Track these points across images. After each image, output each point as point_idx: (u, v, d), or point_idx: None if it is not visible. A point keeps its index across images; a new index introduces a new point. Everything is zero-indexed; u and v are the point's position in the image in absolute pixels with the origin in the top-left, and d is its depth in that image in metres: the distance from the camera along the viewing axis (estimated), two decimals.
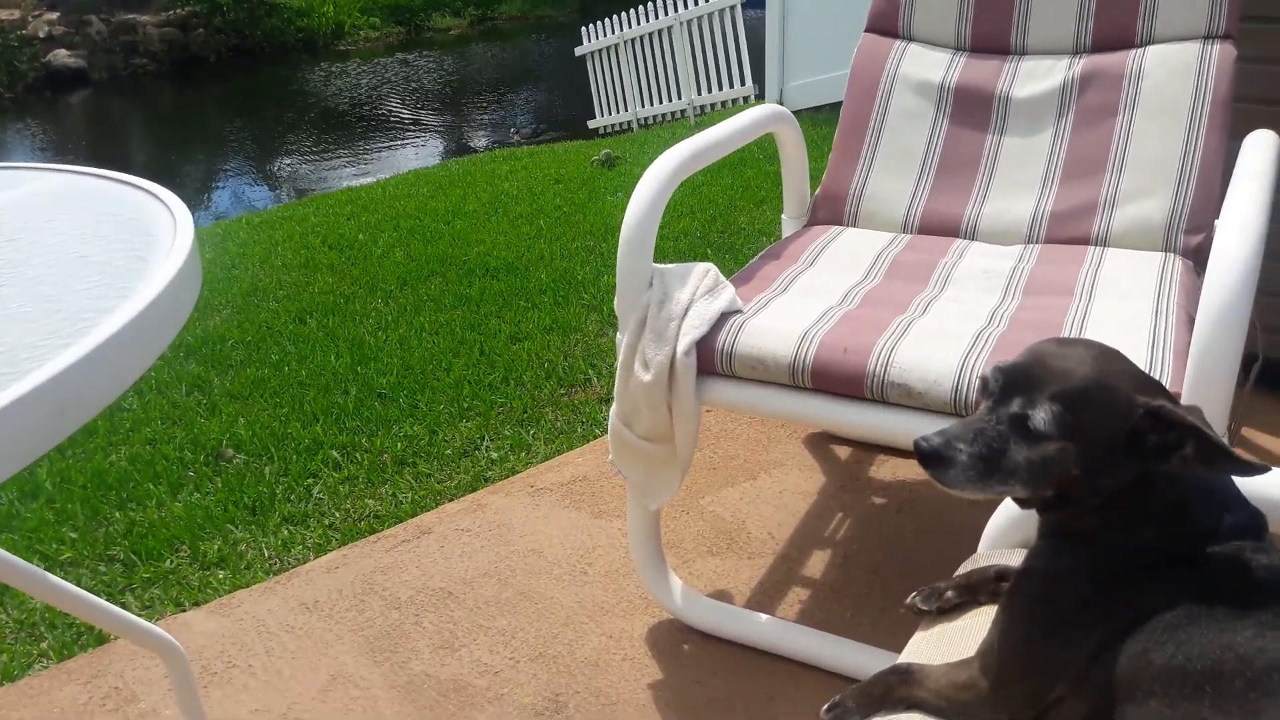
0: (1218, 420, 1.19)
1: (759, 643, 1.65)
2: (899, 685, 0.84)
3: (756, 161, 4.72)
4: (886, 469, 2.14)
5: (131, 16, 13.27)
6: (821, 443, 2.25)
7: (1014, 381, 0.78)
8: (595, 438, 2.37)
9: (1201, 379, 1.18)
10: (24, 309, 0.86)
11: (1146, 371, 0.82)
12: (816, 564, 1.87)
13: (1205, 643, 0.68)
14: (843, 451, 2.22)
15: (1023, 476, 0.77)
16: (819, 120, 5.10)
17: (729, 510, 2.05)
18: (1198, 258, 1.62)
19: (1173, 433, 0.74)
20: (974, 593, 0.94)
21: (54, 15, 12.99)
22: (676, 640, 1.71)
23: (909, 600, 0.96)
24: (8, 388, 0.69)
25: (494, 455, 2.31)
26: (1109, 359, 0.78)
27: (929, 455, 0.78)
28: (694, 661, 1.66)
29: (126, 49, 13.19)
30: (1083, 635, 0.74)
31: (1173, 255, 1.63)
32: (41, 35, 12.75)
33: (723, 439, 2.31)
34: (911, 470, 2.13)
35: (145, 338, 0.81)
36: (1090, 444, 0.75)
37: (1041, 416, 0.76)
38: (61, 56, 12.73)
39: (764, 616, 1.69)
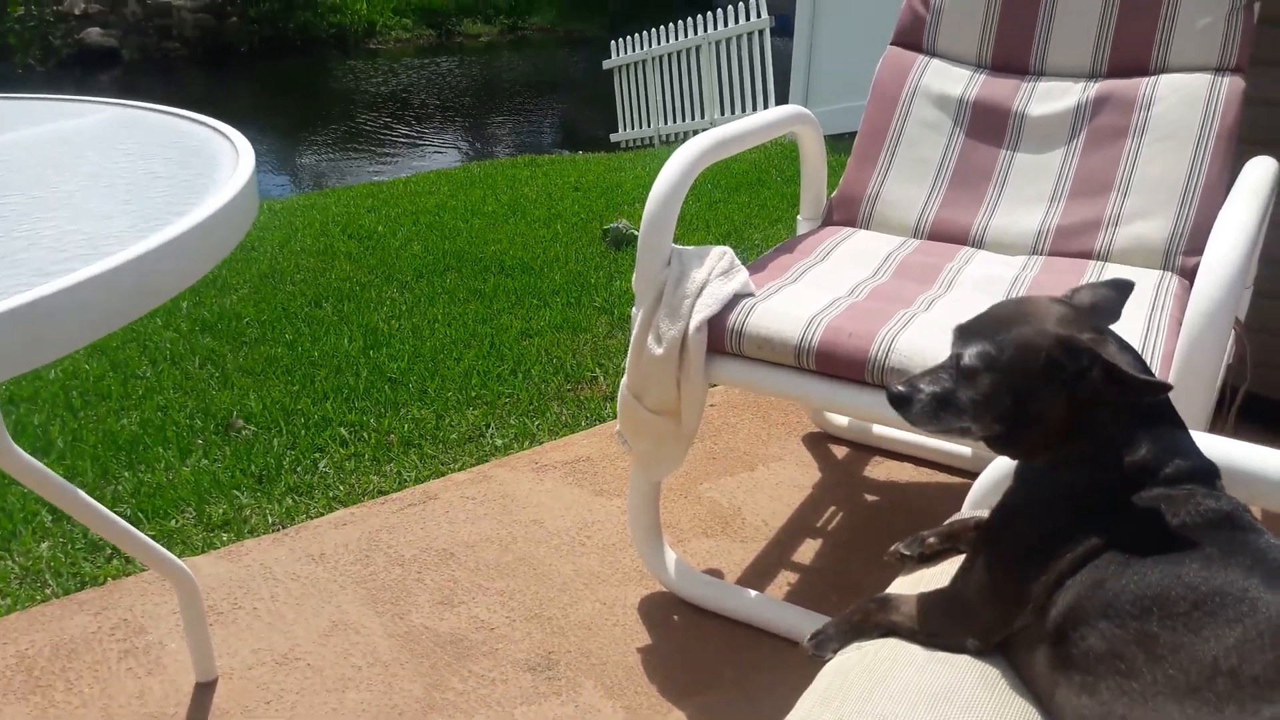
0: (1198, 422, 1.26)
1: (747, 617, 1.71)
2: (877, 611, 0.91)
3: (774, 183, 4.80)
4: (881, 469, 2.21)
5: (167, 0, 13.44)
6: (819, 441, 2.32)
7: (964, 334, 0.91)
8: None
9: (1184, 378, 1.24)
10: (103, 208, 0.94)
11: None
12: (807, 551, 1.93)
13: (1156, 572, 0.75)
14: (839, 450, 2.29)
15: (970, 411, 0.88)
16: (838, 148, 5.17)
17: (726, 497, 2.11)
18: (1194, 277, 1.68)
19: (1083, 357, 0.83)
20: (955, 540, 1.00)
21: None
22: (667, 611, 1.77)
23: (893, 548, 1.02)
24: (92, 264, 0.76)
25: (499, 442, 2.37)
26: (1042, 304, 0.88)
27: (896, 397, 0.91)
28: (682, 631, 1.72)
29: (160, 31, 13.36)
30: (1046, 566, 0.81)
31: (1170, 274, 1.70)
32: (77, 13, 12.92)
33: (724, 431, 2.38)
34: (904, 472, 2.19)
35: (213, 239, 0.88)
36: (1012, 374, 0.86)
37: (970, 353, 0.88)
38: (95, 35, 12.90)
39: (753, 593, 1.75)
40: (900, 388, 0.91)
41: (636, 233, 3.50)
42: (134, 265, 0.78)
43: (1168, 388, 0.82)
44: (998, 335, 0.87)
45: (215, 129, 1.21)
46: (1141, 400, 0.83)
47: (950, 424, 0.89)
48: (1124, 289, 0.95)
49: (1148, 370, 0.86)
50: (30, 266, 0.79)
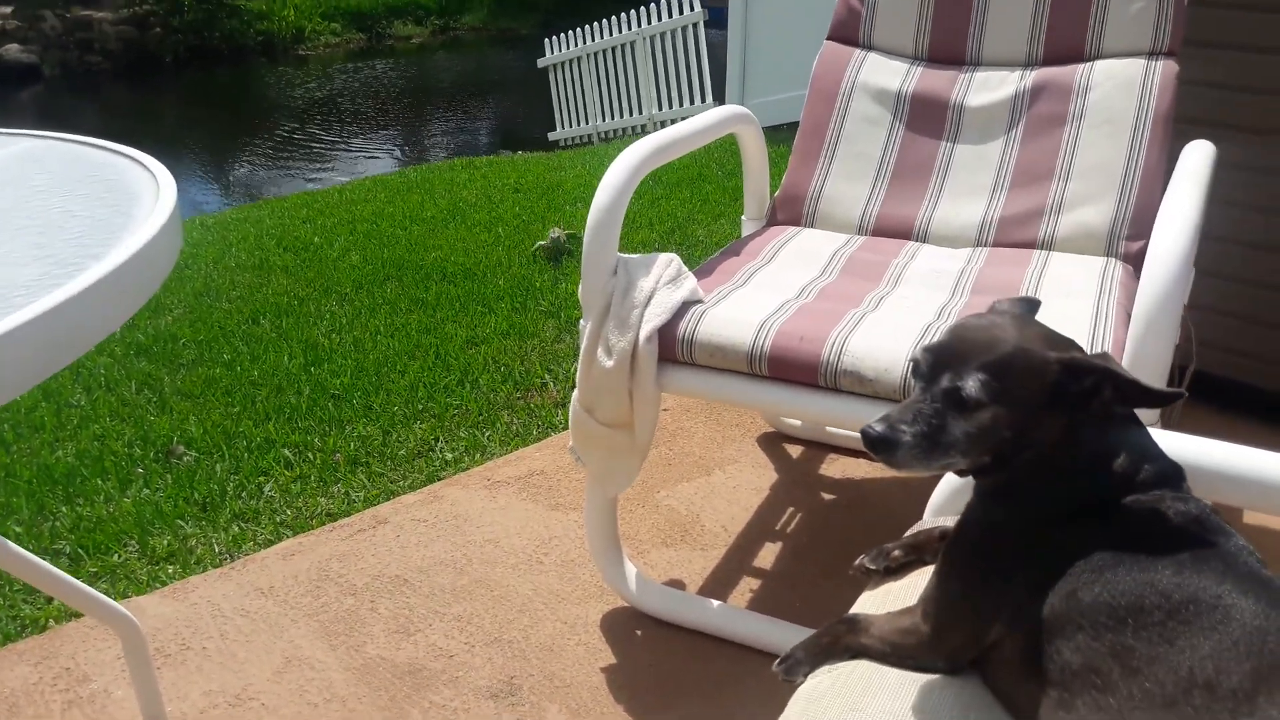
0: (1152, 410, 1.26)
1: (711, 628, 1.69)
2: (846, 634, 0.88)
3: (715, 177, 4.79)
4: (836, 467, 2.20)
5: (88, 13, 13.10)
6: (774, 442, 2.31)
7: (941, 359, 0.83)
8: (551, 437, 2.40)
9: (1138, 368, 1.24)
10: (13, 254, 0.88)
11: None
12: (768, 555, 1.91)
13: (1129, 581, 0.73)
14: (794, 450, 2.27)
15: (962, 447, 0.81)
16: (777, 139, 5.17)
17: (683, 504, 2.09)
18: (1138, 262, 1.69)
19: (1089, 378, 0.80)
20: (919, 552, 0.99)
21: (7, 9, 12.79)
22: (630, 627, 1.74)
23: (858, 562, 1.00)
24: (2, 319, 0.71)
25: (449, 456, 2.33)
26: (1022, 325, 0.85)
27: (876, 440, 0.81)
28: (647, 646, 1.69)
29: (81, 45, 13.01)
30: (1015, 581, 0.79)
31: (1114, 260, 1.71)
32: None
33: (679, 436, 2.35)
34: (860, 468, 2.19)
35: (133, 282, 0.83)
36: (1018, 404, 0.80)
37: (972, 385, 0.80)
38: (13, 51, 12.53)
39: (716, 603, 1.73)
40: (877, 429, 0.81)
41: (576, 235, 3.43)
42: (46, 319, 0.73)
43: (1181, 395, 0.79)
44: (986, 362, 0.81)
45: (133, 159, 1.16)
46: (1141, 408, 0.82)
47: (940, 463, 0.82)
48: (1034, 307, 0.92)
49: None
50: None
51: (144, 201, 1.01)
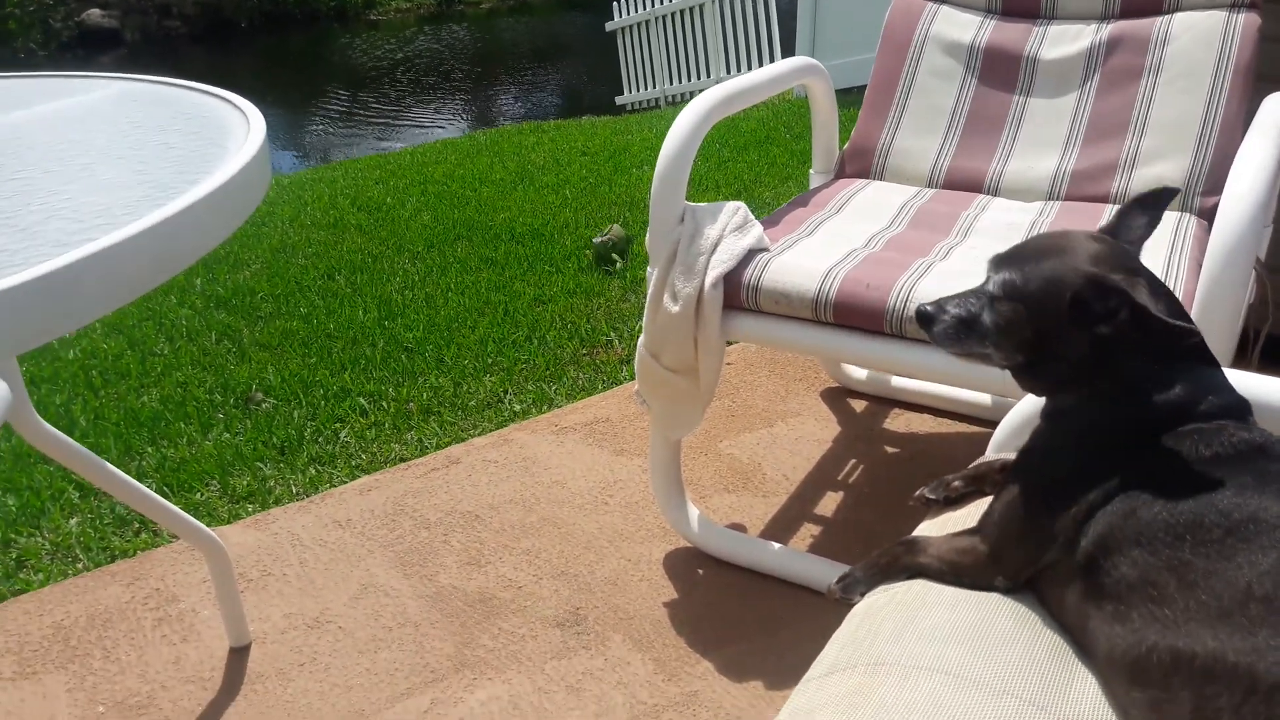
0: (1221, 358, 1.25)
1: (769, 568, 1.73)
2: (904, 554, 0.91)
3: (783, 140, 4.76)
4: (900, 421, 2.21)
5: None
6: (838, 396, 2.32)
7: (998, 262, 0.91)
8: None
9: (1205, 319, 1.24)
10: (118, 180, 0.94)
11: None
12: (829, 503, 1.94)
13: (1189, 501, 0.75)
14: (858, 404, 2.29)
15: (991, 337, 0.89)
16: (847, 102, 5.13)
17: (746, 453, 2.12)
18: (1212, 218, 1.66)
19: (1113, 298, 0.82)
20: (979, 483, 1.01)
21: None
22: (691, 566, 1.78)
23: (918, 492, 1.03)
24: (110, 234, 0.77)
25: (517, 407, 2.38)
26: (1080, 239, 0.87)
27: (921, 316, 0.93)
28: (708, 585, 1.73)
29: (160, 10, 13.30)
30: (1073, 503, 0.81)
31: (1188, 215, 1.69)
32: None
33: (742, 389, 2.38)
34: (924, 423, 2.20)
35: (228, 206, 0.88)
36: (1035, 306, 0.86)
37: (996, 281, 0.89)
38: (95, 16, 12.85)
39: (776, 545, 1.76)
40: (928, 307, 0.93)
41: (630, 237, 3.28)
42: (151, 234, 0.78)
43: (1195, 333, 0.81)
44: (1027, 265, 0.87)
45: (224, 99, 1.21)
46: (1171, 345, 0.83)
47: (971, 347, 0.91)
48: (1159, 203, 0.93)
49: (1183, 313, 0.85)
50: (49, 238, 0.79)
51: (236, 135, 1.06)
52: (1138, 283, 0.83)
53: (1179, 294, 1.37)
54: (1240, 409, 0.82)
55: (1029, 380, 0.91)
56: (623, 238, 3.27)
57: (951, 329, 0.91)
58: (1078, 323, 0.84)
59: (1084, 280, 0.84)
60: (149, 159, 1.01)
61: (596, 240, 3.26)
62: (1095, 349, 0.84)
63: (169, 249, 0.81)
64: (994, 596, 0.84)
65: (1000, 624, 0.80)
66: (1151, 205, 0.93)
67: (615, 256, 3.22)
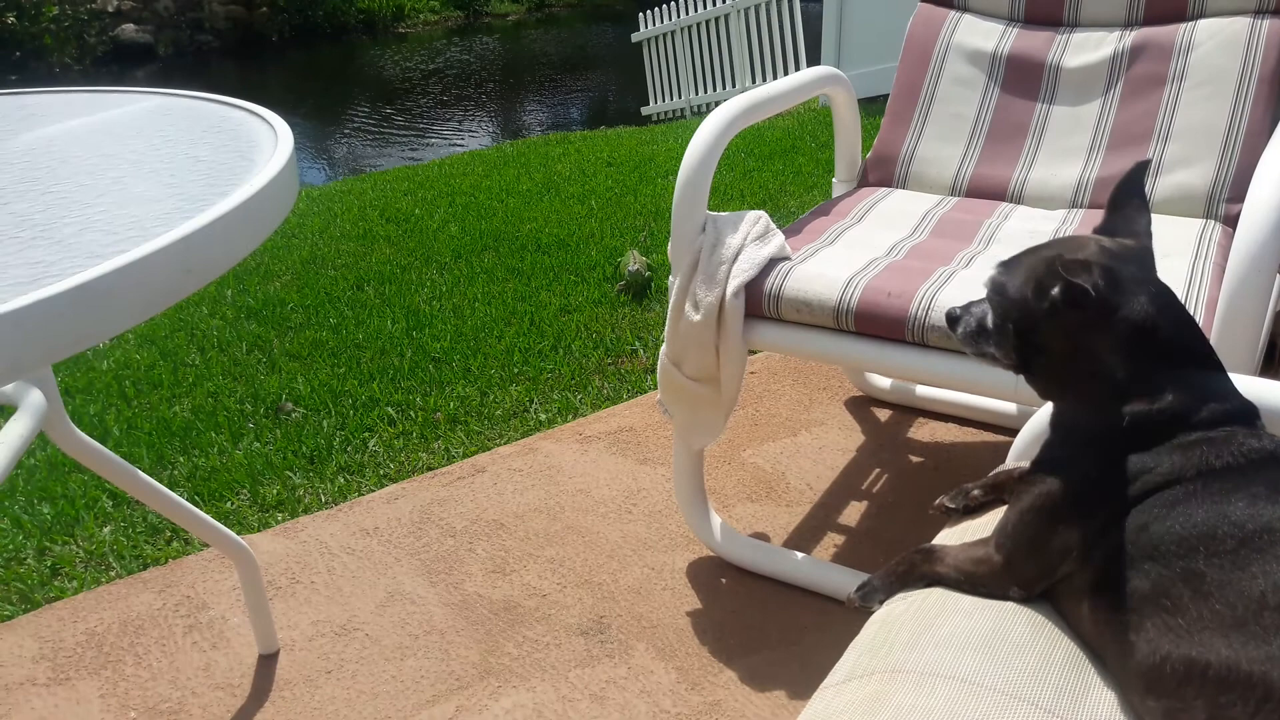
0: (1244, 370, 1.25)
1: (794, 579, 1.73)
2: (921, 563, 0.91)
3: (808, 149, 4.76)
4: (924, 431, 2.20)
5: None
6: (861, 405, 2.32)
7: (997, 266, 0.94)
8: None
9: (1228, 325, 1.23)
10: (148, 192, 0.96)
11: None
12: (852, 513, 1.94)
13: (1201, 513, 0.75)
14: (882, 414, 2.28)
15: (993, 338, 0.92)
16: (872, 111, 5.12)
17: (769, 462, 2.12)
18: (1237, 225, 1.66)
19: (1068, 283, 0.82)
20: (999, 492, 1.01)
21: None
22: (715, 575, 1.78)
23: (938, 501, 1.03)
24: (142, 245, 0.79)
25: (542, 417, 2.39)
26: (1083, 241, 0.89)
27: (949, 317, 0.99)
28: (731, 594, 1.74)
29: (192, 25, 13.51)
30: (1087, 516, 0.81)
31: (1213, 222, 1.68)
32: (110, 9, 13.09)
33: (765, 398, 2.38)
34: (949, 433, 2.19)
35: (257, 217, 0.90)
36: (1012, 300, 0.89)
37: (986, 279, 0.92)
38: (129, 31, 13.06)
39: (799, 555, 1.76)
40: (957, 309, 0.98)
41: (655, 268, 3.12)
42: (182, 245, 0.80)
43: (1084, 290, 0.80)
44: (1015, 264, 0.90)
45: (252, 112, 1.23)
46: (1117, 327, 0.82)
47: (982, 348, 0.94)
48: (1138, 183, 0.95)
49: (1186, 323, 0.85)
50: (83, 250, 0.82)
51: (264, 148, 1.08)
52: (1094, 266, 0.83)
53: (1203, 300, 1.37)
54: (1248, 415, 0.82)
55: (1034, 382, 0.92)
56: (645, 264, 3.13)
57: (969, 332, 0.95)
58: (1048, 314, 0.85)
59: (1044, 266, 0.85)
60: (179, 172, 1.03)
61: (630, 269, 3.08)
62: (1074, 344, 0.84)
63: (199, 259, 0.83)
64: (1010, 605, 0.84)
65: (1017, 632, 0.80)
66: (1133, 189, 0.94)
67: (649, 278, 3.09)
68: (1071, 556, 0.81)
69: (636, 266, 3.08)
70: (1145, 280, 0.85)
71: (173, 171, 1.04)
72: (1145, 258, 0.88)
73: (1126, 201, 0.93)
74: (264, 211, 0.93)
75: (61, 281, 0.71)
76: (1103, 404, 0.84)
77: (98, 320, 0.75)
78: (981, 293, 0.95)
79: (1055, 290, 0.83)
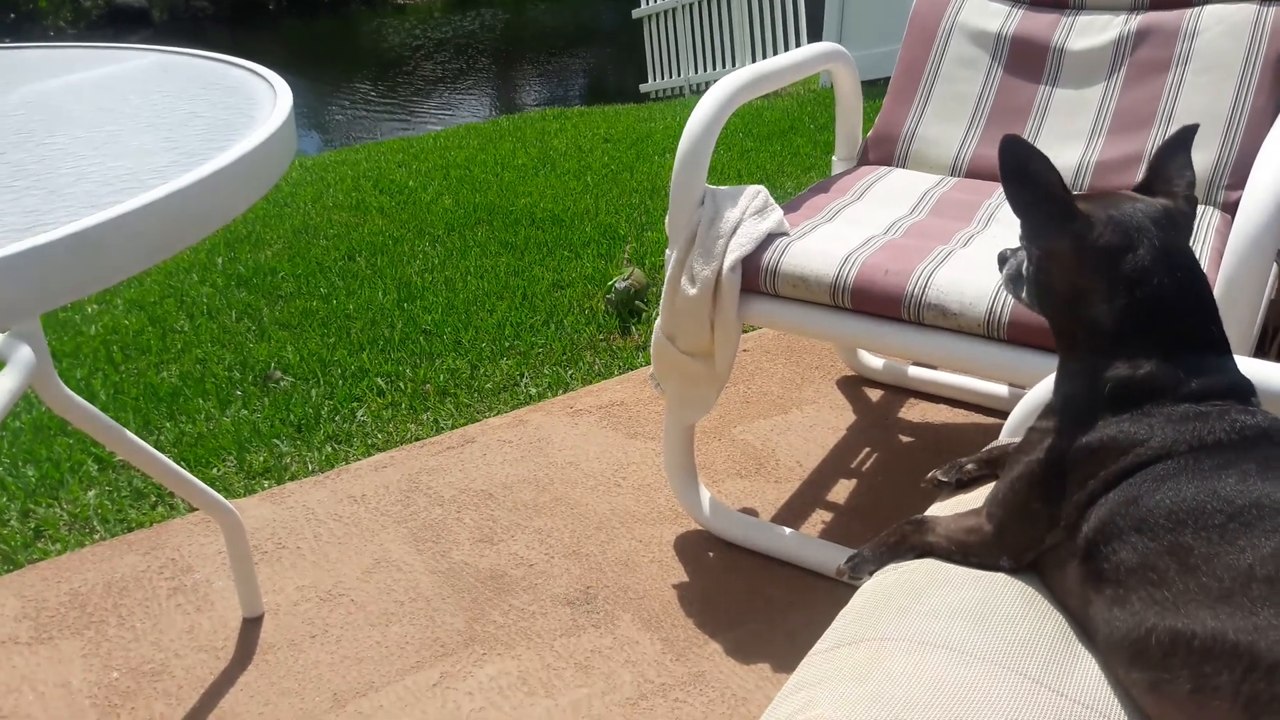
0: (1239, 352, 1.25)
1: (781, 553, 1.73)
2: (912, 533, 0.91)
3: (807, 130, 4.75)
4: (915, 411, 2.21)
5: None
6: (853, 385, 2.32)
7: None
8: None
9: (1224, 307, 1.23)
10: (145, 146, 0.95)
11: None
12: (841, 490, 1.94)
13: (1191, 488, 0.74)
14: (873, 393, 2.29)
15: (1028, 283, 0.93)
16: (873, 94, 5.10)
17: (760, 439, 2.12)
18: (1236, 211, 1.66)
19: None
20: (992, 466, 1.01)
21: None
22: (702, 549, 1.79)
23: (930, 474, 1.03)
24: (139, 195, 0.78)
25: (533, 391, 2.39)
26: (1119, 195, 0.89)
27: (1000, 258, 0.99)
28: (718, 568, 1.74)
29: None
30: (1077, 485, 0.81)
31: (1213, 208, 1.68)
32: None
33: (758, 376, 2.38)
34: (940, 413, 2.19)
35: (254, 172, 0.89)
36: (1032, 234, 0.90)
37: (1019, 231, 0.93)
38: None
39: (787, 530, 1.77)
40: (1007, 250, 0.98)
41: (650, 283, 2.79)
42: (179, 196, 0.79)
43: (1062, 199, 0.84)
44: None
45: (252, 70, 1.22)
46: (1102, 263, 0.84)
47: (1018, 293, 0.95)
48: (1184, 142, 0.94)
49: (1196, 289, 0.84)
50: (79, 200, 0.81)
51: (263, 106, 1.07)
52: (1103, 218, 0.84)
53: None
54: (1243, 391, 0.82)
55: (1057, 339, 0.92)
56: (644, 284, 2.80)
57: (1009, 276, 0.96)
58: (1051, 250, 0.87)
59: (1062, 209, 0.86)
60: (176, 127, 1.02)
61: (620, 285, 2.74)
62: (1076, 287, 0.85)
63: (194, 213, 0.82)
64: (1000, 577, 0.84)
65: (1007, 603, 0.80)
66: (1178, 149, 0.93)
67: (640, 305, 2.76)
68: (1060, 527, 0.81)
69: (627, 284, 2.73)
70: (1161, 242, 0.83)
71: (170, 126, 1.02)
72: (1177, 219, 0.87)
73: (1169, 161, 0.91)
74: (260, 167, 0.92)
75: (56, 229, 0.71)
76: (1088, 360, 0.84)
77: (92, 268, 0.74)
78: (979, 275, 0.96)
79: (1063, 226, 0.85)
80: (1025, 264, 0.93)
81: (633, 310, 2.75)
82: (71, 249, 0.71)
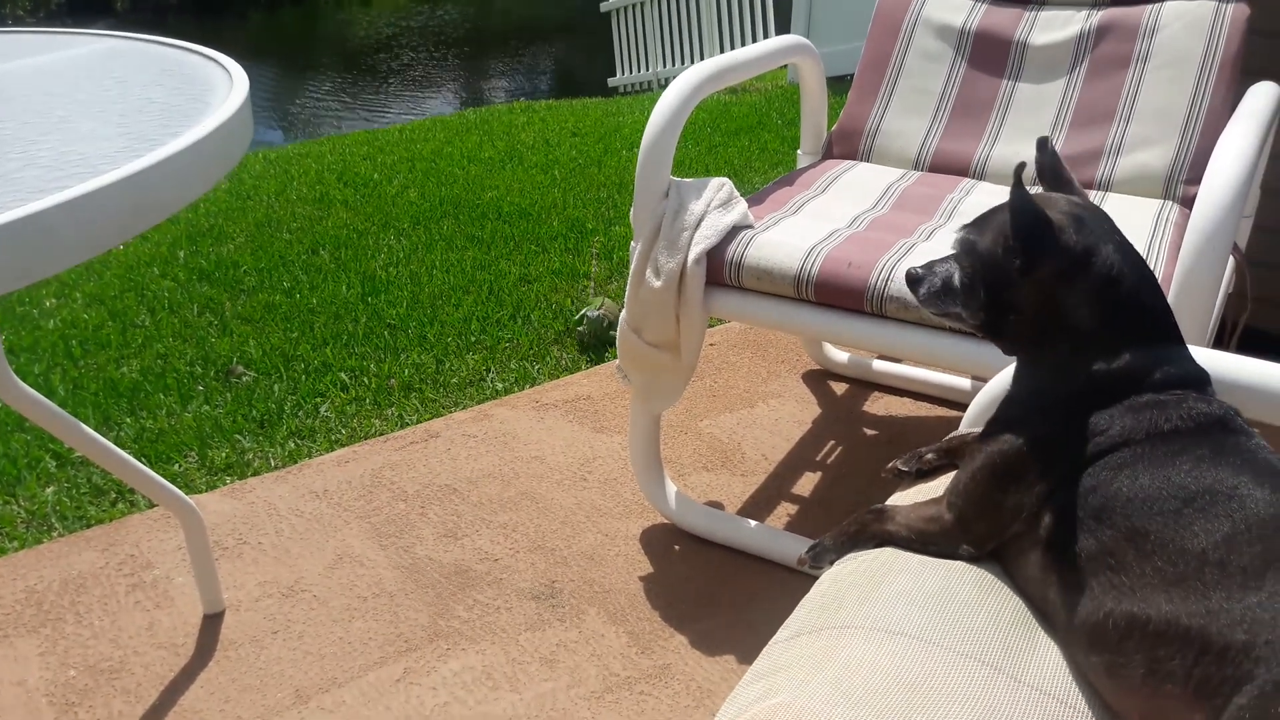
0: (1195, 345, 1.26)
1: (746, 546, 1.73)
2: (872, 522, 0.92)
3: (774, 126, 4.76)
4: (880, 405, 2.22)
5: None
6: (819, 378, 2.33)
7: (964, 226, 0.94)
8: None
9: (1181, 300, 1.25)
10: (98, 131, 0.93)
11: None
12: (806, 483, 1.95)
13: (1147, 476, 0.76)
14: (839, 387, 2.29)
15: (960, 297, 0.92)
16: (840, 89, 5.12)
17: (725, 433, 2.12)
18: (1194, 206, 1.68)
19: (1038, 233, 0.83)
20: (952, 456, 1.01)
21: None
22: (668, 542, 1.79)
23: (891, 464, 1.03)
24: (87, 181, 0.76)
25: (499, 386, 2.37)
26: (1052, 198, 0.89)
27: (910, 276, 0.97)
28: (684, 560, 1.74)
29: None
30: (1038, 475, 0.81)
31: (1171, 203, 1.70)
32: None
33: (724, 370, 2.38)
34: (903, 407, 2.21)
35: (209, 158, 0.88)
36: (982, 256, 0.89)
37: (956, 238, 0.92)
38: None
39: (752, 523, 1.77)
40: (918, 269, 0.96)
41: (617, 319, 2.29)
42: (129, 182, 0.78)
43: (1060, 241, 0.82)
44: (984, 221, 0.90)
45: (209, 57, 1.20)
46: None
47: (948, 308, 0.94)
48: (1052, 155, 0.95)
49: (1147, 284, 0.85)
50: (27, 185, 0.79)
51: (219, 92, 1.06)
52: (1066, 220, 0.84)
53: (1159, 278, 1.38)
54: (1199, 380, 0.83)
55: (999, 341, 0.92)
56: (617, 314, 2.52)
57: (935, 289, 0.94)
58: (1020, 268, 0.85)
59: (1007, 214, 0.86)
60: (130, 113, 1.00)
61: (591, 314, 2.57)
62: (1045, 301, 0.85)
63: (145, 200, 0.81)
64: (959, 564, 0.85)
65: (965, 590, 0.81)
66: (1057, 165, 0.94)
67: (614, 334, 2.27)
68: (1022, 516, 0.82)
69: (599, 313, 2.57)
70: (1112, 233, 0.86)
71: (123, 112, 1.01)
72: (1107, 218, 0.88)
73: (1051, 167, 0.94)
74: (217, 153, 0.90)
75: (2, 214, 0.69)
76: (1066, 361, 0.84)
77: (41, 254, 0.72)
78: (939, 254, 0.95)
79: (1031, 241, 0.83)
80: (959, 277, 0.92)
81: (607, 341, 2.57)
82: (17, 236, 0.70)
